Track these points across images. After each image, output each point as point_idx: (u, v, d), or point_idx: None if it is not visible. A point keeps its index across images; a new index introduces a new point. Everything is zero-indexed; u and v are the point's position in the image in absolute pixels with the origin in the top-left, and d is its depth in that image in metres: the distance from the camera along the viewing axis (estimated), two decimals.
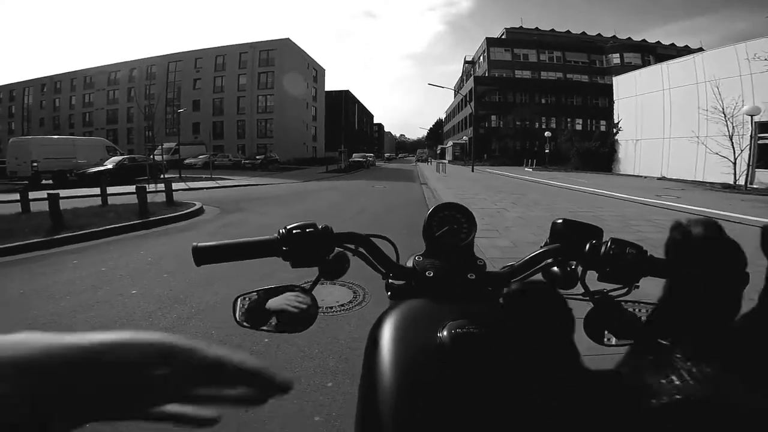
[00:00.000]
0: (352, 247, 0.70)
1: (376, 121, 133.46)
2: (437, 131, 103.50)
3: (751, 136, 17.14)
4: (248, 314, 0.66)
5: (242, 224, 7.63)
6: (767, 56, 14.68)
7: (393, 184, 18.44)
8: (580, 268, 0.64)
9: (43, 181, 17.38)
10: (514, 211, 8.66)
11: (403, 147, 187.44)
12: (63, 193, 8.09)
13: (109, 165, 18.53)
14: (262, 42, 48.17)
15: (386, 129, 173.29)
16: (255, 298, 0.66)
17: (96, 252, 5.46)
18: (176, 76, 49.91)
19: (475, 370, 0.50)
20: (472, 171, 28.37)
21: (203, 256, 0.65)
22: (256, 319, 0.66)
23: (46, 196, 6.58)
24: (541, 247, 0.67)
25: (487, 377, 0.50)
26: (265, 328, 0.66)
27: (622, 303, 0.62)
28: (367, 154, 47.60)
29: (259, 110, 47.95)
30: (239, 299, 0.67)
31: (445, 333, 0.52)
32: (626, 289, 0.61)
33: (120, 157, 20.09)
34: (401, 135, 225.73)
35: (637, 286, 0.61)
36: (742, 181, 16.78)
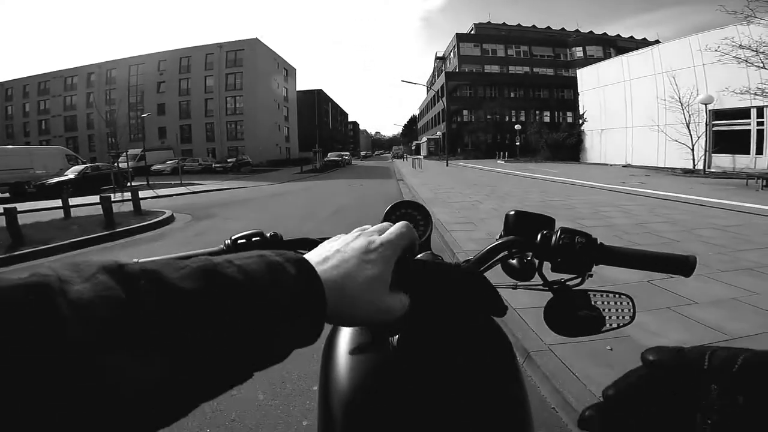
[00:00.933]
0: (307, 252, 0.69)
1: (351, 119, 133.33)
2: (412, 127, 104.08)
3: (706, 123, 18.03)
4: None
5: (215, 231, 7.43)
6: (718, 47, 15.30)
7: (369, 181, 18.43)
8: (537, 261, 0.64)
9: (0, 194, 16.45)
10: (488, 204, 8.80)
11: (379, 144, 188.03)
12: (21, 206, 7.67)
13: (70, 175, 17.62)
14: (229, 42, 46.86)
15: (361, 127, 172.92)
16: None
17: None
18: (138, 79, 47.86)
19: (419, 371, 0.53)
20: (447, 165, 28.68)
21: None
22: None
23: (2, 210, 6.23)
24: (496, 240, 0.66)
25: (435, 376, 0.53)
26: None
27: (583, 292, 0.62)
28: (342, 153, 47.44)
29: (228, 112, 46.65)
30: None
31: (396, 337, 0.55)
32: (580, 279, 0.61)
33: (82, 166, 19.12)
34: (377, 132, 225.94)
35: (591, 275, 0.61)
36: (700, 166, 17.68)
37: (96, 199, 8.67)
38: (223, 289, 0.28)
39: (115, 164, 17.96)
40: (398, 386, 0.52)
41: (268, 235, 0.66)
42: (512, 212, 0.68)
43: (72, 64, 54.68)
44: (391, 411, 0.50)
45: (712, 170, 17.47)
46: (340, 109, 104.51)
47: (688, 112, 18.47)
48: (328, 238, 0.71)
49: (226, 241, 0.65)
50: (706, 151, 18.13)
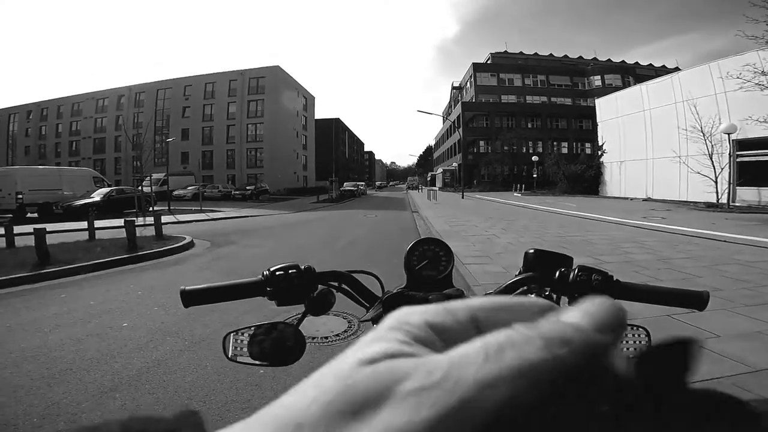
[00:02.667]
0: (336, 284, 0.75)
1: (367, 148, 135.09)
2: (427, 158, 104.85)
3: (729, 154, 17.48)
4: (239, 350, 0.69)
5: (233, 257, 7.55)
6: (739, 74, 14.71)
7: (384, 213, 18.49)
8: (555, 295, 0.69)
9: (28, 214, 17.02)
10: (504, 238, 8.72)
11: (394, 174, 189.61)
12: (49, 227, 7.93)
13: (96, 197, 18.12)
14: (251, 69, 48.27)
15: (377, 156, 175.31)
16: (244, 335, 0.69)
17: (84, 286, 5.35)
18: (165, 103, 49.57)
19: None
20: (462, 198, 28.64)
21: (191, 298, 0.70)
22: (246, 355, 0.68)
23: (32, 230, 6.49)
24: (516, 276, 0.71)
25: None
26: (256, 362, 0.68)
27: None
28: (358, 183, 47.93)
29: (248, 139, 47.59)
30: (230, 336, 0.69)
31: None
32: None
33: (107, 189, 19.67)
34: (392, 162, 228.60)
35: None
36: (724, 200, 16.95)
37: (120, 222, 8.94)
38: None
39: (139, 188, 18.45)
40: None
41: (303, 267, 0.71)
42: (532, 250, 0.74)
43: (103, 87, 57.06)
44: None
45: (737, 204, 16.92)
46: (357, 138, 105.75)
47: (711, 142, 17.76)
48: (358, 271, 0.77)
49: (265, 272, 0.70)
50: (729, 183, 17.44)
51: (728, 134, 16.96)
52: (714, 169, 17.61)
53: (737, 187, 17.79)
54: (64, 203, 17.14)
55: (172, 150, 38.31)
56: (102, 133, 51.91)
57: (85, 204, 16.58)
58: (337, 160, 61.47)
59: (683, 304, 0.64)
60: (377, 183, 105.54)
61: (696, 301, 0.64)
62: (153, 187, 18.81)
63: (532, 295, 0.70)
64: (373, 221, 14.43)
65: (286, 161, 50.98)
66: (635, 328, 0.66)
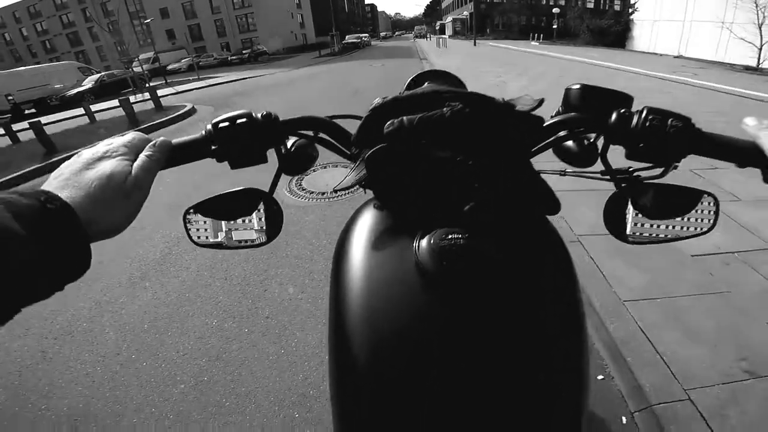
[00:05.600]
0: (310, 133, 0.58)
1: (368, 1, 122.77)
2: (435, 7, 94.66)
3: None
4: (203, 230, 0.55)
5: None
6: None
7: (390, 61, 17.66)
8: (600, 143, 0.53)
9: (26, 111, 17.38)
10: (516, 83, 8.33)
11: (399, 25, 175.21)
12: (48, 118, 7.78)
13: (87, 84, 18.34)
14: None
15: (380, 8, 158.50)
16: (208, 210, 0.55)
17: None
18: None
19: (461, 294, 0.43)
20: (474, 45, 26.53)
21: None
22: (212, 235, 0.55)
23: (27, 125, 6.34)
24: (552, 117, 0.54)
25: (475, 307, 0.43)
26: (224, 243, 0.55)
27: (663, 185, 0.50)
28: (361, 35, 45.23)
29: (235, 6, 44.79)
30: (189, 213, 0.55)
31: (423, 244, 0.45)
32: (662, 170, 0.49)
33: (97, 75, 19.77)
34: (396, 13, 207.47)
35: (677, 167, 0.49)
36: (766, 65, 15.44)
37: (117, 103, 8.64)
38: None
39: (130, 69, 17.67)
40: (423, 317, 0.43)
41: (260, 115, 0.53)
42: (576, 85, 0.56)
43: None
44: (414, 346, 0.42)
45: None
46: None
47: (764, 13, 15.67)
48: (343, 116, 0.64)
49: (207, 126, 0.51)
50: None
51: None
52: (761, 36, 15.82)
53: None
54: (58, 95, 17.47)
55: (155, 30, 35.67)
56: (72, 27, 48.75)
57: (80, 92, 17.12)
58: (336, 16, 56.40)
59: None
60: (382, 34, 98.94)
61: None
62: (144, 66, 18.40)
63: (570, 143, 0.55)
64: (379, 70, 13.84)
65: (282, 22, 48.27)
66: (703, 195, 0.51)
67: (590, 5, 41.07)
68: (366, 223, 0.54)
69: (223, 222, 0.55)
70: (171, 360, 1.88)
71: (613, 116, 0.49)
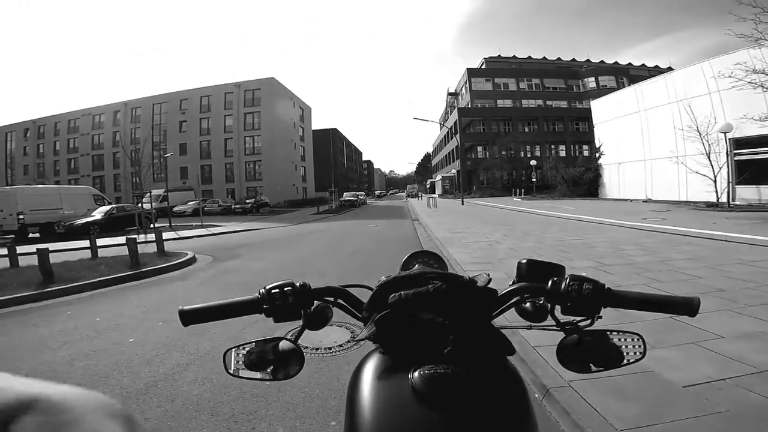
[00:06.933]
0: (331, 299, 0.78)
1: (365, 158, 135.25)
2: (426, 165, 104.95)
3: (726, 153, 17.27)
4: (240, 365, 0.71)
5: (236, 271, 7.55)
6: (731, 73, 14.58)
7: (385, 222, 18.50)
8: (549, 304, 0.72)
9: (30, 234, 17.01)
10: (505, 243, 8.75)
11: (393, 183, 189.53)
12: (51, 246, 7.99)
13: (97, 215, 18.15)
14: (247, 81, 48.13)
15: (376, 165, 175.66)
16: (244, 351, 0.71)
17: (89, 303, 5.39)
18: (161, 118, 48.90)
19: (443, 407, 0.59)
20: (462, 204, 28.67)
21: (190, 317, 0.74)
22: (247, 370, 0.70)
23: (35, 250, 6.55)
24: (509, 286, 0.75)
25: (455, 414, 0.59)
26: (257, 377, 0.71)
27: (601, 332, 0.68)
28: (357, 193, 47.88)
29: (246, 152, 47.34)
30: (230, 351, 0.71)
31: (416, 375, 0.62)
32: (589, 321, 0.68)
33: (108, 207, 19.68)
34: (390, 171, 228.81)
35: (600, 317, 0.68)
36: (724, 199, 16.79)
37: (122, 239, 8.97)
38: None
39: (140, 205, 18.49)
40: (418, 430, 0.59)
41: (298, 284, 0.74)
42: (524, 260, 0.78)
43: (100, 102, 55.97)
44: None
45: (737, 203, 16.83)
46: (355, 147, 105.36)
47: (708, 141, 17.54)
48: (353, 285, 0.83)
49: (261, 291, 0.73)
50: (729, 182, 17.30)
51: (725, 133, 16.76)
52: (712, 168, 17.39)
53: (737, 186, 17.69)
54: (65, 222, 17.14)
55: (170, 165, 37.99)
56: (100, 150, 51.27)
57: (87, 223, 16.67)
58: (335, 171, 61.35)
59: (674, 311, 0.67)
60: (377, 192, 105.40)
61: (686, 308, 0.66)
62: (153, 204, 18.73)
63: (527, 305, 0.75)
64: (374, 231, 14.43)
65: (285, 173, 50.68)
66: (629, 335, 0.68)
67: (562, 153, 46.17)
68: (373, 364, 0.71)
69: (255, 359, 0.71)
70: None
71: (549, 284, 0.69)
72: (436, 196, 39.24)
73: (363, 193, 55.51)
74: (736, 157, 17.85)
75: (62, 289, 5.93)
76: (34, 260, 6.62)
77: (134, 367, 3.16)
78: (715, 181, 17.37)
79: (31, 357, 3.42)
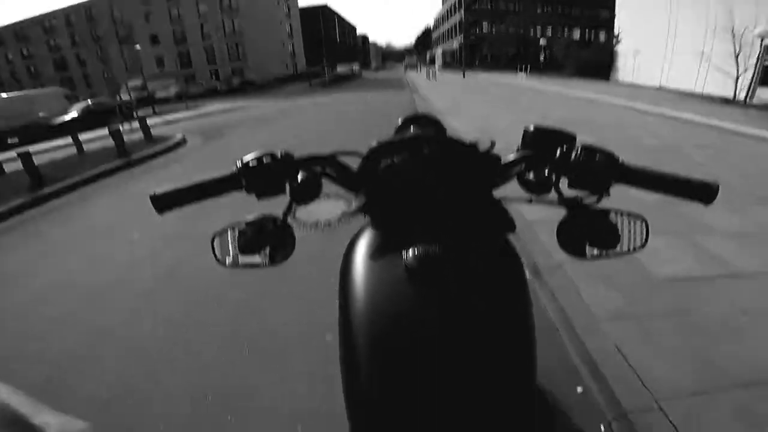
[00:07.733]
0: (318, 169, 0.68)
1: (361, 31, 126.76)
2: (425, 39, 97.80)
3: (758, 57, 16.06)
4: (228, 252, 0.65)
5: (229, 149, 7.40)
6: None
7: (381, 93, 17.86)
8: (554, 175, 0.64)
9: (9, 140, 16.26)
10: (507, 116, 8.50)
11: (391, 56, 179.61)
12: (34, 148, 7.65)
13: (74, 113, 17.64)
14: None
15: (372, 39, 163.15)
16: (231, 235, 0.64)
17: (87, 200, 5.30)
18: (123, 14, 42.57)
19: (438, 287, 0.54)
20: (464, 77, 27.28)
21: (163, 202, 0.63)
22: (237, 256, 0.64)
23: (15, 155, 6.15)
24: (513, 154, 0.66)
25: (448, 295, 0.54)
26: (248, 263, 0.65)
27: (600, 210, 0.60)
28: (352, 65, 45.79)
29: (226, 33, 44.97)
30: (215, 238, 0.64)
31: (410, 252, 0.55)
32: (596, 197, 0.60)
33: (84, 103, 19.04)
34: (387, 44, 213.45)
35: (608, 195, 0.60)
36: (741, 96, 16.08)
37: (105, 132, 8.62)
38: None
39: (117, 97, 17.55)
40: (412, 309, 0.53)
41: (279, 154, 0.64)
42: (531, 127, 0.67)
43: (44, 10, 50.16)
44: (406, 333, 0.52)
45: (753, 102, 15.92)
46: (348, 23, 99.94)
47: (740, 43, 16.28)
48: (343, 152, 0.71)
49: (237, 163, 0.63)
50: (752, 82, 16.28)
51: (762, 38, 15.43)
52: (737, 68, 16.40)
53: (758, 87, 16.50)
54: (43, 124, 16.77)
55: (144, 56, 35.44)
56: (59, 52, 47.84)
57: (65, 121, 16.28)
58: (327, 46, 57.66)
59: (690, 194, 0.58)
60: (373, 65, 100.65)
61: (704, 192, 0.57)
62: (132, 94, 18.10)
63: (530, 175, 0.66)
64: (370, 103, 13.99)
65: (272, 51, 48.85)
66: (634, 218, 0.61)
67: (576, 37, 42.97)
68: (365, 241, 0.65)
69: (243, 243, 0.63)
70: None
71: (558, 152, 0.60)
72: (436, 68, 37.09)
73: (357, 64, 52.80)
74: (767, 62, 16.43)
75: (55, 191, 5.74)
76: (19, 165, 6.17)
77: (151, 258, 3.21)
78: (737, 80, 16.48)
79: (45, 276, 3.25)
